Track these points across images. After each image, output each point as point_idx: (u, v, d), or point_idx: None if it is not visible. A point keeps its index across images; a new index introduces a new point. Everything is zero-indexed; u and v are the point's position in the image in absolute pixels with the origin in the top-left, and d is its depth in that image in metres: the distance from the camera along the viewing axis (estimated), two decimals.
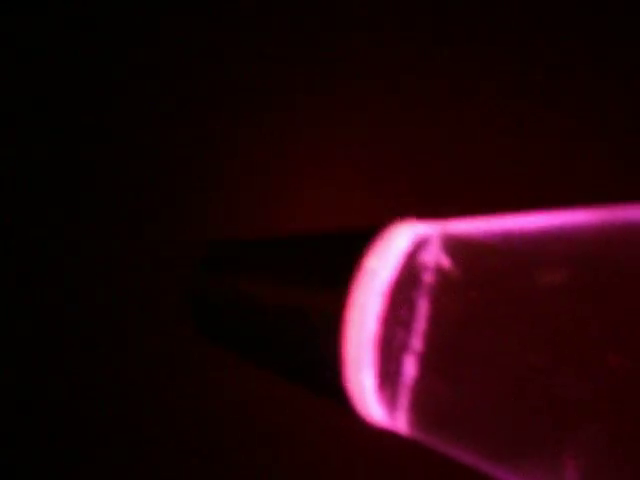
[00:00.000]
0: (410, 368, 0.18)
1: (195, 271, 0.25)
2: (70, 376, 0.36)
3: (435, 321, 0.18)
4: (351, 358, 0.18)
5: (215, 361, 0.34)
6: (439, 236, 0.19)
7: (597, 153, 0.33)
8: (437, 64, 0.35)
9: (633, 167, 0.32)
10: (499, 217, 0.19)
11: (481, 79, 0.34)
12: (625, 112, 0.33)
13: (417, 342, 0.18)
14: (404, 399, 0.18)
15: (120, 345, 0.36)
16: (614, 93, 0.33)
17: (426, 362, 0.18)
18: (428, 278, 0.18)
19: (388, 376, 0.18)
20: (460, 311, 0.18)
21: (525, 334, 0.16)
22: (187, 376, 0.35)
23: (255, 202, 0.36)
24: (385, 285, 0.18)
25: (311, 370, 0.20)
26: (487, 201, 0.33)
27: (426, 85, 0.35)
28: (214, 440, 0.35)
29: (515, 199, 0.33)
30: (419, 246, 0.19)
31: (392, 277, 0.18)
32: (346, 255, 0.19)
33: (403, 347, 0.18)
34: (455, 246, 0.19)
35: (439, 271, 0.18)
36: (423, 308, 0.18)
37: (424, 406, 0.18)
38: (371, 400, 0.19)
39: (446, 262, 0.18)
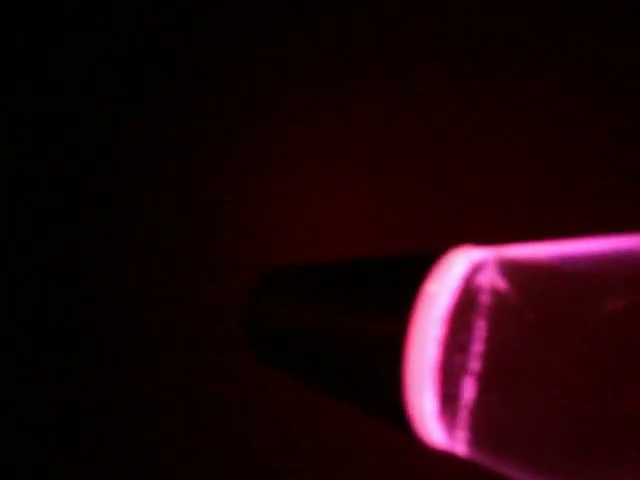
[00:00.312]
0: (469, 391, 0.18)
1: (252, 297, 0.25)
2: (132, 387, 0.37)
3: (493, 343, 0.18)
4: (412, 382, 0.19)
5: (273, 384, 0.34)
6: (495, 261, 0.19)
7: None
8: (467, 78, 0.35)
9: None
10: (551, 242, 0.19)
11: (522, 100, 0.34)
12: None
13: (476, 364, 0.18)
14: (464, 421, 0.19)
15: (183, 377, 0.37)
16: None
17: (485, 384, 0.18)
18: (485, 302, 0.18)
19: (448, 399, 0.19)
20: (517, 333, 0.18)
21: (581, 355, 0.17)
22: (245, 402, 0.36)
23: (300, 230, 0.36)
24: (445, 310, 0.19)
25: (372, 394, 0.21)
26: (528, 225, 0.33)
27: (460, 110, 0.35)
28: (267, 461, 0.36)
29: (556, 223, 0.33)
30: (476, 271, 0.19)
31: (451, 302, 0.19)
32: (406, 281, 0.19)
33: (462, 370, 0.18)
34: (511, 270, 0.19)
35: (496, 294, 0.18)
36: (481, 331, 0.18)
37: (484, 428, 0.18)
38: (432, 423, 0.19)
39: (503, 285, 0.18)
